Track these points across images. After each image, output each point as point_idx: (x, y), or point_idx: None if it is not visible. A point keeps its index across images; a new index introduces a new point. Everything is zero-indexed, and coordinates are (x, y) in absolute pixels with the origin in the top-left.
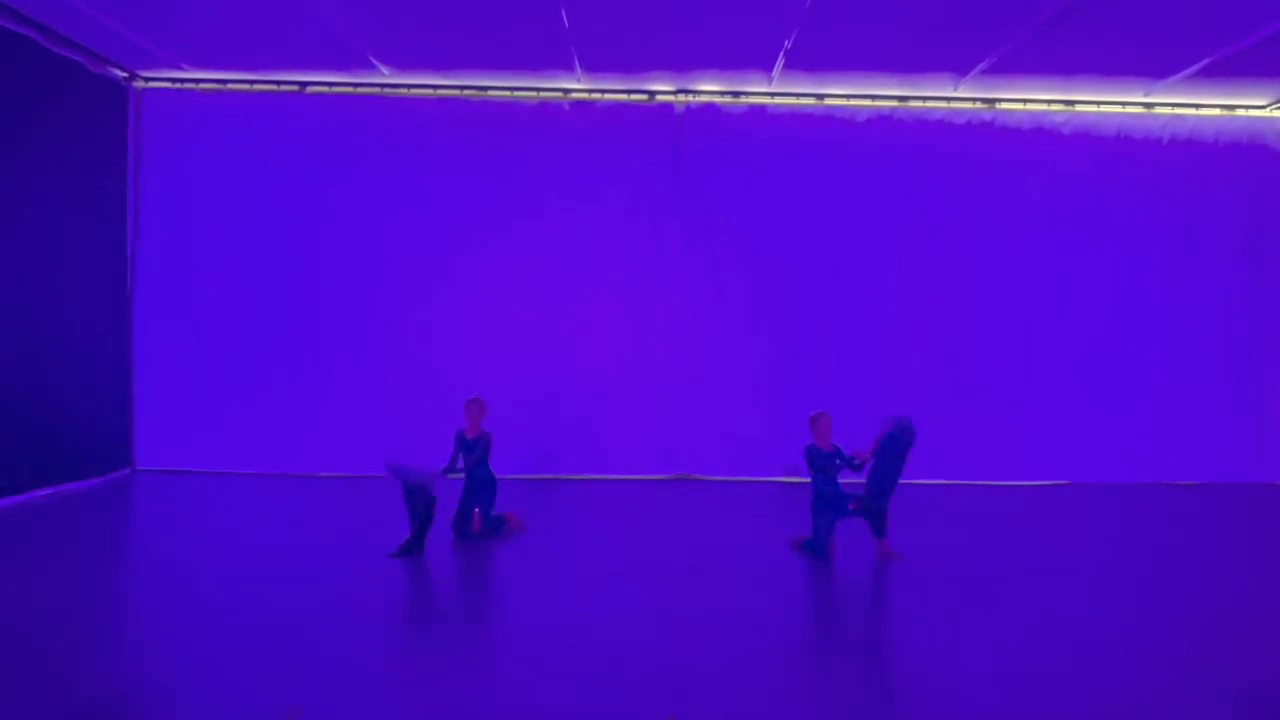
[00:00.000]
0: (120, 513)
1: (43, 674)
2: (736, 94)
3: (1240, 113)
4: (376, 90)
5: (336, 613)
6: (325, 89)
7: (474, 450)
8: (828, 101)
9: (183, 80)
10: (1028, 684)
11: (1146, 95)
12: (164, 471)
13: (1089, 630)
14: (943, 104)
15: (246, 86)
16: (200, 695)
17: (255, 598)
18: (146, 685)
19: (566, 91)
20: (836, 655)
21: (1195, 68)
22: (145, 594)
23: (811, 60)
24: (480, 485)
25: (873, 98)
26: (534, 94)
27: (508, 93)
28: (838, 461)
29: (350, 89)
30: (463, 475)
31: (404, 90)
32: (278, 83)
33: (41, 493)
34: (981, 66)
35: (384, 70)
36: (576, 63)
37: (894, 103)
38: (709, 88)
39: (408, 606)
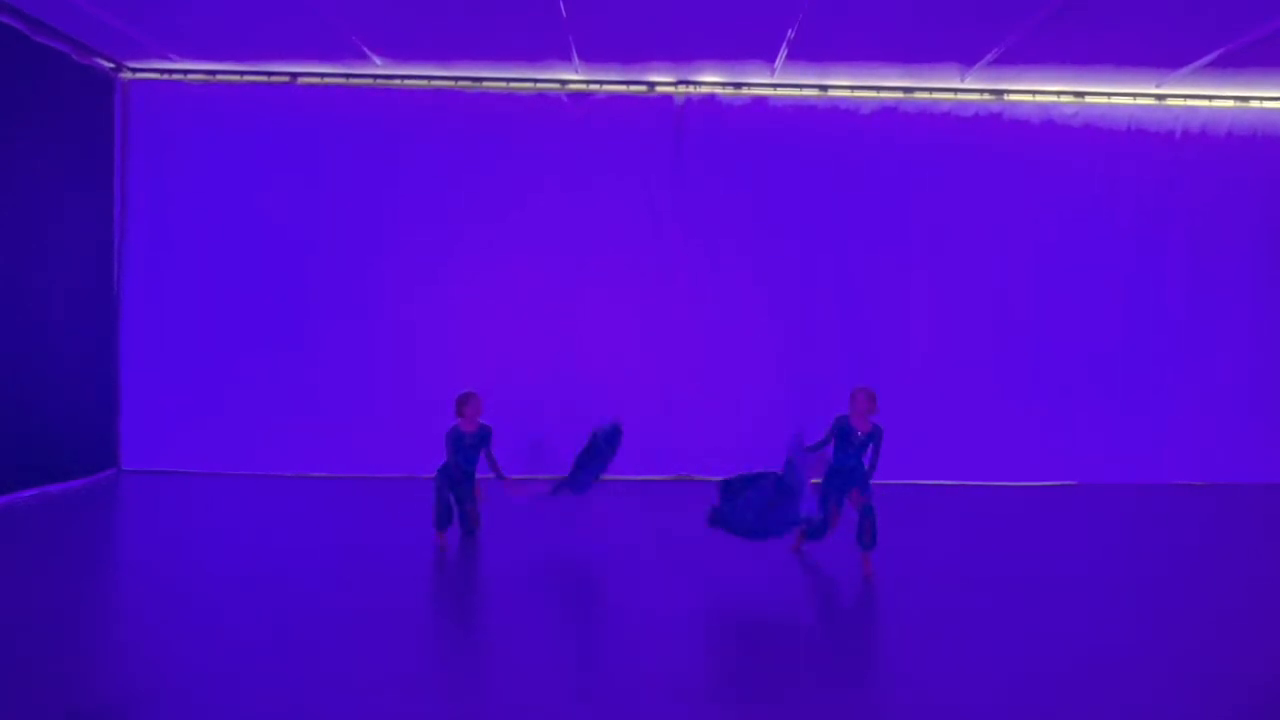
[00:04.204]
0: (105, 514)
1: (26, 681)
2: (738, 85)
3: (1254, 104)
4: (369, 82)
5: (327, 616)
6: (317, 80)
7: (465, 448)
8: (831, 93)
9: (171, 71)
10: (1034, 688)
11: (1158, 87)
12: (150, 472)
13: (1098, 637)
14: (949, 95)
15: (236, 77)
16: (188, 702)
17: (243, 601)
18: (132, 692)
19: (564, 83)
20: (841, 659)
21: (1208, 59)
22: (130, 598)
23: (815, 50)
24: (465, 479)
25: (877, 89)
26: (531, 85)
27: (504, 84)
28: (862, 441)
29: (342, 80)
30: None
31: (397, 82)
32: (268, 74)
33: (25, 494)
34: (989, 57)
35: (377, 61)
36: (574, 53)
37: (899, 94)
38: (710, 78)
39: (401, 611)
